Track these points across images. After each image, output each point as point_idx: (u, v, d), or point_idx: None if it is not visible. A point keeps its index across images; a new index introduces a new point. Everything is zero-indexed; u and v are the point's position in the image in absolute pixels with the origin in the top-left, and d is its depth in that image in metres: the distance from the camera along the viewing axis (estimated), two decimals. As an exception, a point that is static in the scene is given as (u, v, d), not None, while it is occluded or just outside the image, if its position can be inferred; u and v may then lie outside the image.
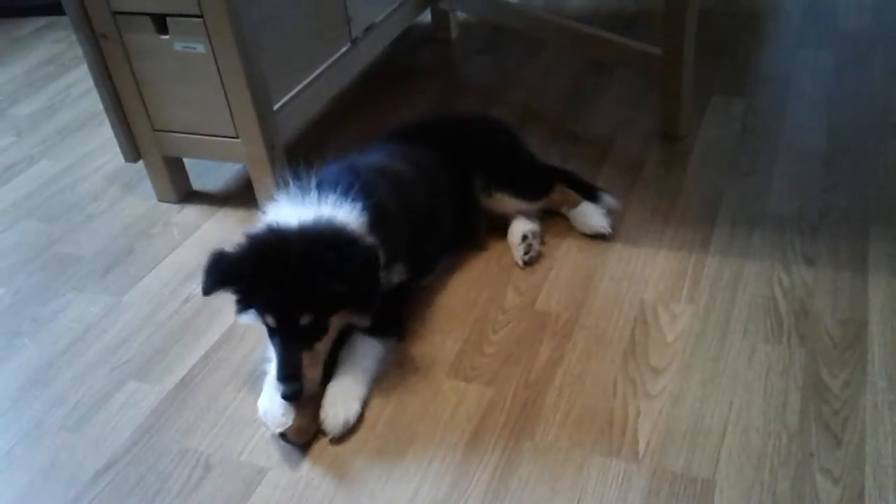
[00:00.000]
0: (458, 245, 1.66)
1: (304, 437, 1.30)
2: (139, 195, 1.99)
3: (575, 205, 1.70)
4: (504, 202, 1.67)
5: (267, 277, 1.28)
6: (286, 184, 1.43)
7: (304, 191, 1.40)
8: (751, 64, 2.27)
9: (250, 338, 1.52)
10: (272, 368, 1.34)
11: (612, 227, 1.67)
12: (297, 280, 1.27)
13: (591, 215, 1.68)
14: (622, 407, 1.31)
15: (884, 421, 1.24)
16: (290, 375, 1.27)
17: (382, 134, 1.77)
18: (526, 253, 1.62)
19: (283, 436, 1.29)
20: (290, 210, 1.36)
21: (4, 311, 1.67)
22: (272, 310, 1.29)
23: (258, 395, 1.38)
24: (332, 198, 1.37)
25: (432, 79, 2.39)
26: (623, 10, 2.63)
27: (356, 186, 1.40)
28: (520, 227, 1.65)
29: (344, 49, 2.04)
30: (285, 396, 1.27)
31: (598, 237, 1.67)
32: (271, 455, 1.30)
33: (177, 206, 1.93)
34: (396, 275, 1.44)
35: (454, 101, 2.26)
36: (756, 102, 2.08)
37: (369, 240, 1.35)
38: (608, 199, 1.72)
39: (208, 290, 1.31)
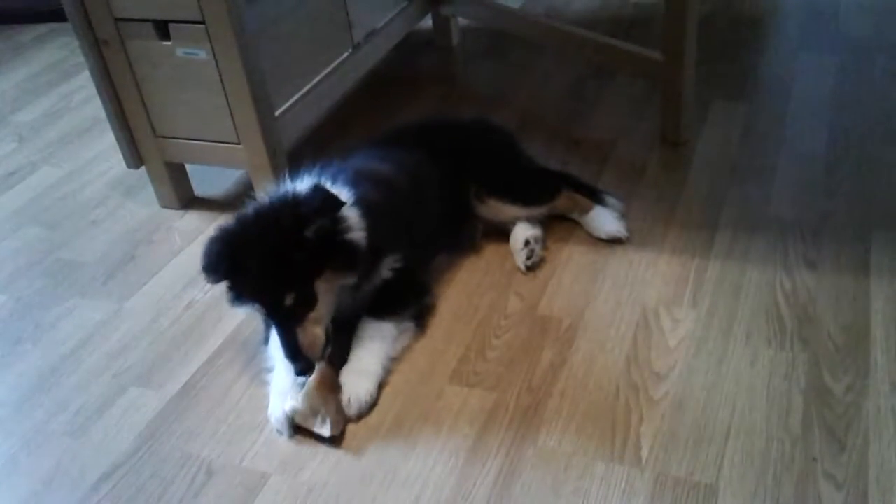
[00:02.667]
0: (452, 242, 1.67)
1: (339, 426, 1.32)
2: (141, 201, 1.99)
3: (586, 210, 1.69)
4: (498, 208, 1.66)
5: (238, 267, 1.30)
6: (281, 181, 1.46)
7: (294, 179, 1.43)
8: (752, 68, 2.27)
9: (252, 344, 1.52)
10: (274, 377, 1.38)
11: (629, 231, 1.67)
12: (263, 261, 1.29)
13: (606, 220, 1.68)
14: (625, 412, 1.31)
15: (887, 425, 1.24)
16: (295, 354, 1.31)
17: (369, 140, 1.77)
18: (528, 258, 1.61)
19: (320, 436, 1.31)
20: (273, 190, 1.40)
21: (7, 317, 1.67)
22: (256, 299, 1.31)
23: (260, 401, 1.39)
24: (315, 179, 1.41)
25: (433, 84, 2.40)
26: (624, 15, 2.64)
27: (342, 177, 1.44)
28: (522, 233, 1.64)
29: (345, 55, 2.05)
30: (298, 373, 1.32)
31: (598, 242, 1.67)
32: (273, 461, 1.29)
33: (179, 212, 1.94)
34: (391, 262, 1.46)
35: (455, 107, 2.26)
36: (757, 107, 2.08)
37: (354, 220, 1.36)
38: (613, 201, 1.73)
39: (209, 277, 1.34)
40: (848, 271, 1.53)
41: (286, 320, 1.31)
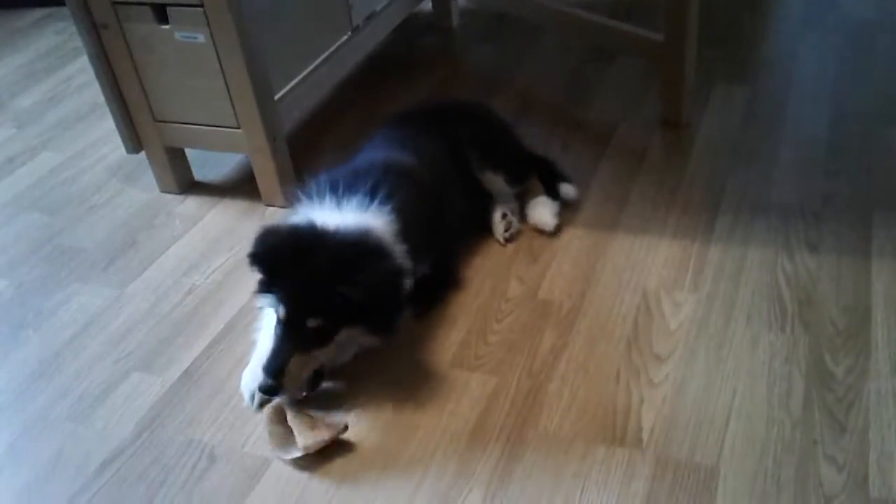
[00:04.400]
0: (470, 229, 1.68)
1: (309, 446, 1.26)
2: (141, 186, 1.99)
3: (534, 196, 1.72)
4: (493, 183, 1.69)
5: (292, 270, 1.29)
6: (311, 184, 1.45)
7: (333, 191, 1.41)
8: (754, 50, 2.26)
9: (253, 329, 1.52)
10: (258, 349, 1.39)
11: (559, 227, 1.67)
12: (318, 281, 1.28)
13: (541, 210, 1.69)
14: (625, 395, 1.31)
15: (888, 407, 1.24)
16: (275, 371, 1.26)
17: (381, 124, 1.76)
18: (506, 230, 1.66)
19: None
20: (322, 211, 1.38)
21: (8, 303, 1.67)
22: (286, 301, 1.29)
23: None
24: (360, 200, 1.39)
25: (434, 67, 2.38)
26: (625, -4, 2.62)
27: (383, 188, 1.41)
28: (499, 208, 1.69)
29: (345, 38, 2.03)
30: (261, 388, 1.29)
31: (598, 226, 1.67)
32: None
33: (179, 197, 1.93)
34: (420, 270, 1.44)
35: (456, 89, 2.25)
36: (759, 89, 2.07)
37: (399, 252, 1.35)
38: (568, 189, 1.74)
39: (254, 262, 1.33)
40: (849, 254, 1.53)
41: (293, 339, 1.29)
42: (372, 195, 1.39)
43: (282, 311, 1.29)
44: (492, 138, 1.73)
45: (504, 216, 1.67)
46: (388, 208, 1.39)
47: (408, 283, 1.37)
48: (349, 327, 1.31)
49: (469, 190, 1.66)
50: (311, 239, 1.32)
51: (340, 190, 1.41)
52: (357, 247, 1.31)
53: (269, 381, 1.26)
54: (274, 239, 1.34)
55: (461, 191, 1.64)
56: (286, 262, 1.30)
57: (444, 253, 1.55)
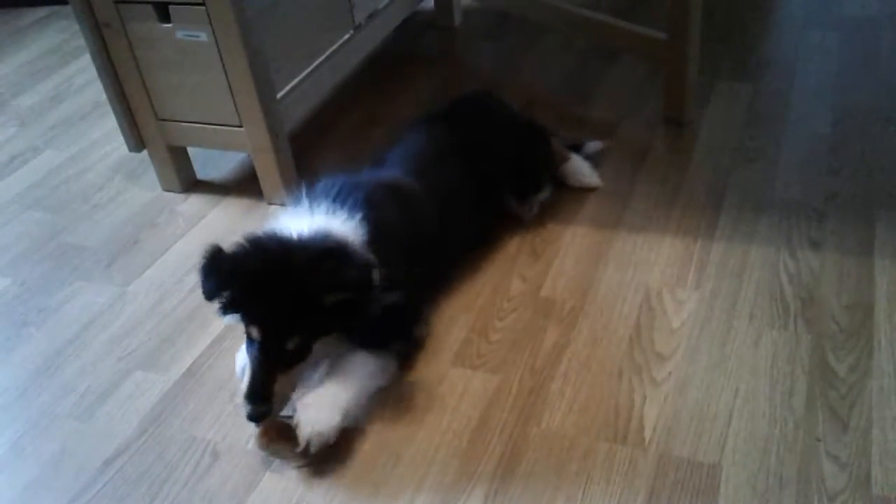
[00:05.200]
0: (472, 248, 1.63)
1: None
2: (144, 185, 1.99)
3: (564, 159, 1.76)
4: (521, 210, 1.69)
5: (261, 289, 1.20)
6: (299, 192, 1.38)
7: (310, 200, 1.35)
8: (756, 48, 2.25)
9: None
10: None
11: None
12: (293, 299, 1.19)
13: (580, 168, 1.75)
14: (628, 393, 1.31)
15: (891, 405, 1.24)
16: (260, 396, 1.19)
17: (406, 126, 1.71)
18: (529, 210, 1.69)
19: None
20: (293, 219, 1.30)
21: (11, 301, 1.68)
22: (259, 324, 1.21)
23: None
24: (330, 207, 1.31)
25: (436, 66, 2.38)
26: (627, -6, 2.62)
27: (358, 199, 1.33)
28: (579, 164, 1.76)
29: (347, 36, 2.03)
30: (250, 417, 1.20)
31: (601, 224, 1.66)
32: (278, 443, 1.30)
33: (181, 196, 1.94)
34: (391, 297, 1.31)
35: (458, 88, 2.25)
36: (762, 87, 2.07)
37: (366, 256, 1.26)
38: (592, 144, 1.80)
39: (211, 295, 1.21)
40: (852, 252, 1.53)
41: (273, 361, 1.20)
42: (342, 204, 1.32)
43: (255, 332, 1.21)
44: (528, 167, 1.67)
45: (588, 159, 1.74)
46: (359, 217, 1.31)
47: (376, 279, 1.24)
48: (325, 337, 1.25)
49: (483, 209, 1.61)
50: (272, 250, 1.23)
51: (319, 197, 1.35)
52: (320, 247, 1.23)
53: (259, 409, 1.19)
54: (230, 258, 1.22)
55: (472, 210, 1.58)
56: (252, 280, 1.20)
57: (418, 287, 1.41)
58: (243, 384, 1.22)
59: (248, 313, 1.22)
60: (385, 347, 1.34)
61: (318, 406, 1.23)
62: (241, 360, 1.36)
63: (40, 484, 1.29)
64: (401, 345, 1.38)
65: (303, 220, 1.30)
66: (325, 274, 1.19)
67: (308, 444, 1.21)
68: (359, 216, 1.31)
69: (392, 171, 1.55)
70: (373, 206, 1.35)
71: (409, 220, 1.44)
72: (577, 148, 1.80)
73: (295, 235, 1.25)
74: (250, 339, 1.23)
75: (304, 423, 1.21)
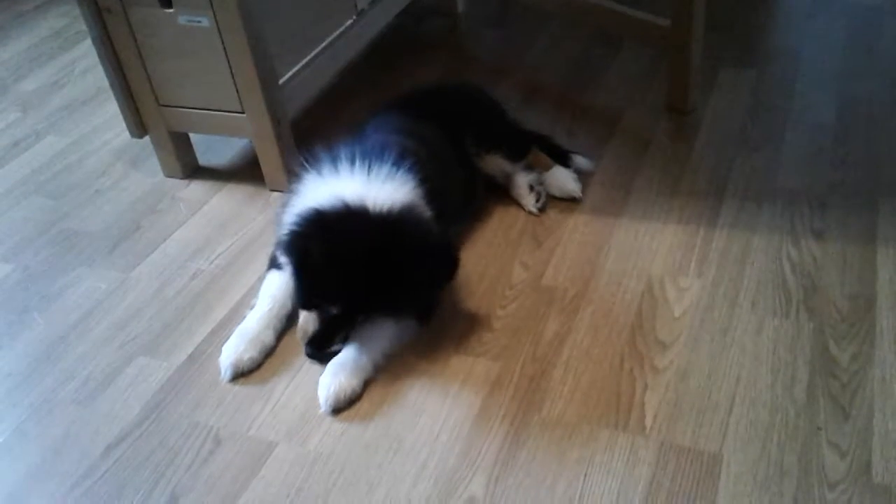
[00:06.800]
0: (468, 209, 1.68)
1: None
2: (145, 171, 1.98)
3: (546, 168, 1.74)
4: (493, 163, 1.70)
5: (351, 275, 1.30)
6: (318, 157, 1.44)
7: (349, 163, 1.39)
8: (760, 36, 2.24)
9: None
10: (249, 318, 1.43)
11: (582, 192, 1.71)
12: (391, 295, 1.32)
13: (563, 178, 1.72)
14: (629, 381, 1.31)
15: (892, 394, 1.24)
16: (323, 345, 1.37)
17: (375, 110, 1.76)
18: (537, 200, 1.67)
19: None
20: (343, 185, 1.35)
21: (13, 287, 1.68)
22: (347, 306, 1.35)
23: (266, 370, 1.39)
24: (384, 171, 1.38)
25: (438, 52, 2.37)
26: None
27: (407, 159, 1.41)
28: (523, 180, 1.70)
29: (349, 22, 2.02)
30: (309, 354, 1.39)
31: (603, 212, 1.66)
32: (280, 429, 1.30)
33: (183, 182, 1.93)
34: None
35: (460, 74, 2.24)
36: (765, 75, 2.06)
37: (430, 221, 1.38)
38: (581, 160, 1.77)
39: (307, 305, 1.39)
40: (855, 241, 1.52)
41: (343, 324, 1.37)
42: (397, 165, 1.39)
43: (337, 309, 1.35)
44: (484, 118, 1.74)
45: (532, 187, 1.69)
46: (414, 177, 1.39)
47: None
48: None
49: (466, 178, 1.66)
50: (357, 230, 1.30)
51: (366, 161, 1.38)
52: (408, 234, 1.32)
53: (318, 354, 1.38)
54: (322, 258, 1.29)
55: (460, 172, 1.64)
56: (341, 269, 1.29)
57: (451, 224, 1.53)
58: (300, 322, 1.41)
59: (339, 300, 1.35)
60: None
61: (342, 369, 1.34)
62: (231, 356, 1.39)
63: (43, 469, 1.29)
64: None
65: (358, 186, 1.34)
66: (428, 277, 1.34)
67: (328, 406, 1.31)
68: (412, 180, 1.39)
69: (384, 134, 1.59)
70: (416, 163, 1.42)
71: (437, 167, 1.51)
72: (565, 158, 1.76)
73: (372, 209, 1.31)
74: (315, 307, 1.38)
75: (324, 387, 1.32)
